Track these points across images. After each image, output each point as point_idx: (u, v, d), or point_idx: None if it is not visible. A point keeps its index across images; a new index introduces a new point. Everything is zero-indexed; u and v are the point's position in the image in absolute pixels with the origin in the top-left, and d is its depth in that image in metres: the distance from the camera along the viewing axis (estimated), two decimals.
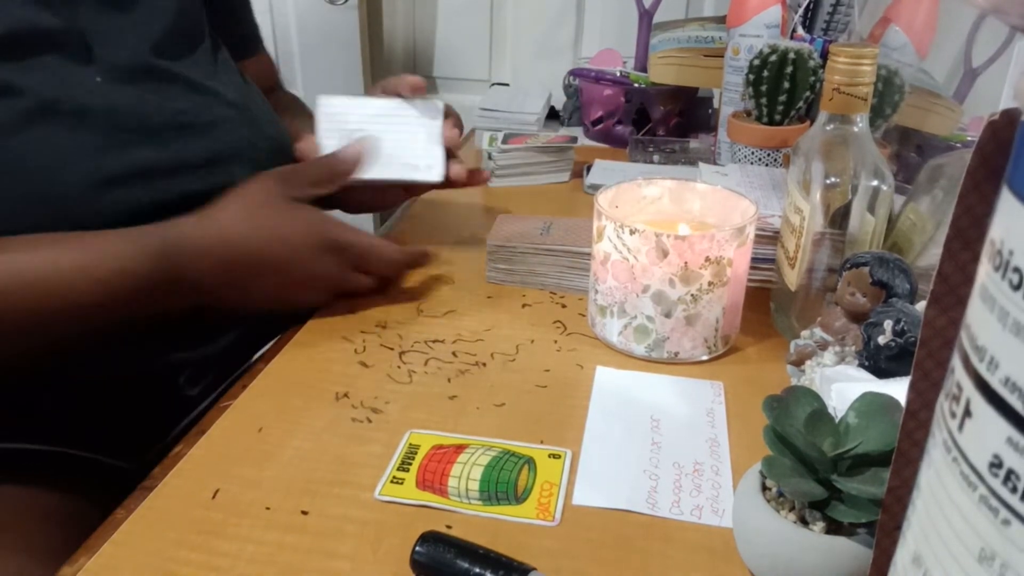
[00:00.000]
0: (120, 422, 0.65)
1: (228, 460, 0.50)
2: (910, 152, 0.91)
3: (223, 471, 0.49)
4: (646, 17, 1.20)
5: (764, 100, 0.87)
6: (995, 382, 0.19)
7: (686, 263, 0.56)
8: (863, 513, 0.37)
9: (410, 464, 0.49)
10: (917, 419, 0.27)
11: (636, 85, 1.16)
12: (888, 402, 0.40)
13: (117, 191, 0.58)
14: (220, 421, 0.54)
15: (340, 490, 0.47)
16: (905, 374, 0.46)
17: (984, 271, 0.20)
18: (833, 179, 0.57)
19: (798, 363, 0.55)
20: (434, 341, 0.63)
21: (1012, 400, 0.18)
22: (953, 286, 0.25)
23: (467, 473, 0.48)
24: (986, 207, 0.22)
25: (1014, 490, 0.18)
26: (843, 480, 0.38)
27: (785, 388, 0.43)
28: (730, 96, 0.96)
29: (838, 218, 0.58)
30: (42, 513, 0.59)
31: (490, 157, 0.99)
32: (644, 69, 1.17)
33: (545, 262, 0.72)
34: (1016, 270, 0.18)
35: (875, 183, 0.56)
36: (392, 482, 0.48)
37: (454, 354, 0.62)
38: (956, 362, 0.21)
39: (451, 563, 0.39)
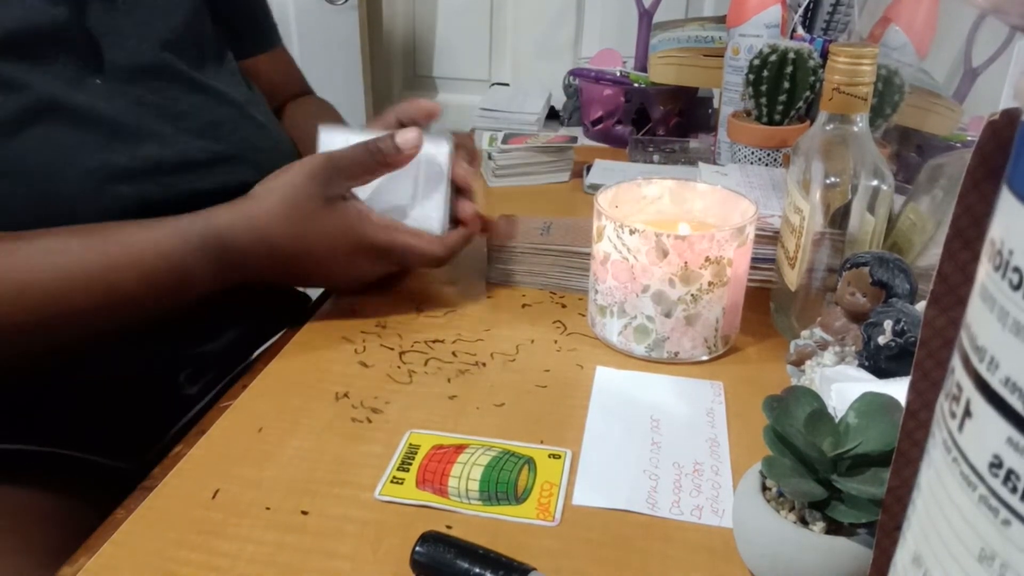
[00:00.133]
0: (119, 421, 0.65)
1: (228, 460, 0.50)
2: (910, 152, 0.91)
3: (223, 471, 0.49)
4: (646, 17, 1.20)
5: (764, 100, 0.87)
6: (995, 382, 0.19)
7: (686, 263, 0.56)
8: (863, 513, 0.37)
9: (410, 464, 0.49)
10: (917, 419, 0.27)
11: (636, 85, 1.16)
12: (888, 402, 0.40)
13: (119, 189, 0.58)
14: (220, 421, 0.54)
15: (340, 490, 0.47)
16: (905, 374, 0.46)
17: (984, 271, 0.20)
18: (833, 179, 0.57)
19: (798, 363, 0.55)
20: (434, 341, 0.63)
21: (1012, 400, 0.18)
22: (953, 286, 0.25)
23: (467, 473, 0.48)
24: (986, 207, 0.22)
25: (1014, 490, 0.18)
26: (843, 480, 0.38)
27: (785, 388, 0.43)
28: (730, 96, 0.96)
29: (838, 218, 0.58)
30: (41, 513, 0.59)
31: (490, 157, 0.99)
32: (644, 69, 1.17)
33: (545, 262, 0.72)
34: (1016, 270, 0.18)
35: (875, 183, 0.56)
36: (392, 482, 0.48)
37: (454, 354, 0.62)
38: (956, 362, 0.21)
39: (451, 563, 0.39)
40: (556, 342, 0.64)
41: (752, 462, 0.42)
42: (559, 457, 0.50)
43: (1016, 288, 0.18)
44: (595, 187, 0.94)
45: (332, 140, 0.65)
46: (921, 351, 0.26)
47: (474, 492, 0.47)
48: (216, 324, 0.69)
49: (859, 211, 0.57)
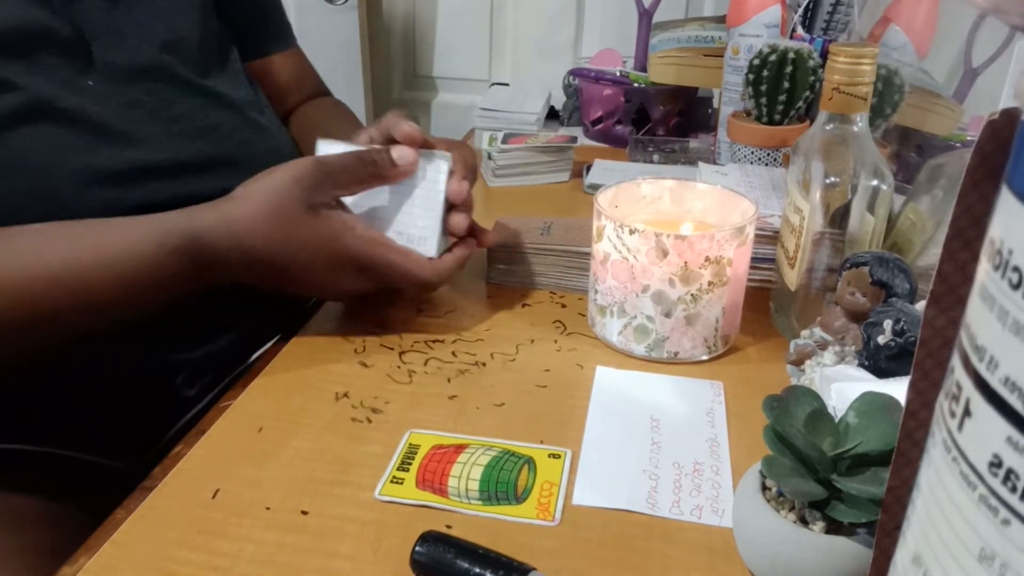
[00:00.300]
0: (117, 422, 0.65)
1: (228, 460, 0.50)
2: (910, 152, 0.91)
3: (223, 471, 0.49)
4: (646, 17, 1.20)
5: (764, 100, 0.87)
6: (995, 382, 0.19)
7: (686, 263, 0.56)
8: (863, 513, 0.37)
9: (410, 464, 0.49)
10: (917, 419, 0.27)
11: (636, 85, 1.16)
12: (888, 402, 0.40)
13: (110, 190, 0.57)
14: (220, 421, 0.54)
15: (340, 490, 0.47)
16: (905, 374, 0.46)
17: (984, 270, 0.20)
18: (833, 179, 0.57)
19: (798, 363, 0.55)
20: (434, 341, 0.63)
21: (1012, 400, 0.18)
22: (953, 286, 0.25)
23: (467, 473, 0.48)
24: (986, 207, 0.22)
25: (1014, 490, 0.18)
26: (843, 480, 0.38)
27: (785, 388, 0.43)
28: (730, 96, 0.96)
29: (838, 218, 0.58)
30: (40, 514, 0.59)
31: (490, 157, 0.99)
32: (644, 69, 1.17)
33: (545, 262, 0.72)
34: (1016, 269, 0.18)
35: (875, 183, 0.56)
36: (392, 482, 0.48)
37: (454, 354, 0.62)
38: (956, 362, 0.21)
39: (451, 563, 0.39)
40: (556, 342, 0.64)
41: (752, 462, 0.42)
42: (559, 457, 0.50)
43: (1016, 287, 0.18)
44: (595, 187, 0.94)
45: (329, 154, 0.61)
46: (921, 351, 0.26)
47: (474, 492, 0.47)
48: (214, 327, 0.69)
49: (859, 211, 0.58)
